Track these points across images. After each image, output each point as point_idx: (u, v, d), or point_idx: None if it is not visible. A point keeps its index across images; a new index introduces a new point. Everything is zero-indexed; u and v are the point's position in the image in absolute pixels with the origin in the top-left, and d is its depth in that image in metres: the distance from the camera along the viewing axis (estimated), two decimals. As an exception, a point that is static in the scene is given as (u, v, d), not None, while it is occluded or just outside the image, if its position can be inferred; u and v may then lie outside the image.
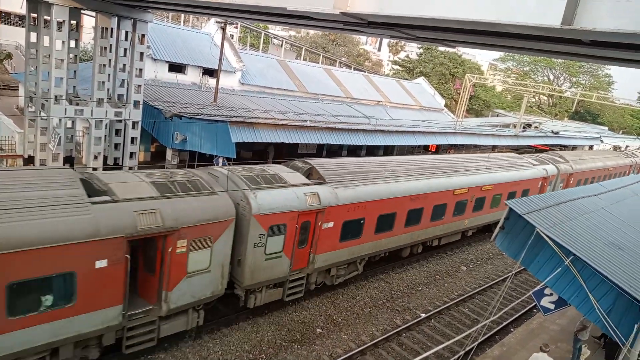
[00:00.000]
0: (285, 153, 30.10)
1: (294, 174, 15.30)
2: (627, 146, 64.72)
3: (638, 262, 11.51)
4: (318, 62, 59.91)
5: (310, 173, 16.16)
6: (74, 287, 9.74)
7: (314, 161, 16.81)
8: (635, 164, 46.15)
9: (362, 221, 16.65)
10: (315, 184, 15.28)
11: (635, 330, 9.04)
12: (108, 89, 21.26)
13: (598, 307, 9.68)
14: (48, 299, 9.48)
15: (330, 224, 15.40)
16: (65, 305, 9.74)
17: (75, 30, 20.40)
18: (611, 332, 9.44)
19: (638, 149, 63.35)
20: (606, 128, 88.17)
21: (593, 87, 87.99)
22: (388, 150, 39.46)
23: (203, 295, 12.48)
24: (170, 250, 11.27)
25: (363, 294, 17.83)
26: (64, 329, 9.89)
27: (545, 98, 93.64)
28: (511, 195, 25.51)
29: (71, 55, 20.54)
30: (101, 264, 9.99)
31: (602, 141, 64.08)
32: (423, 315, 16.90)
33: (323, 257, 15.70)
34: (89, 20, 30.58)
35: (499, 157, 28.66)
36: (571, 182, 32.99)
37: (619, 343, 9.31)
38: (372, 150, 38.59)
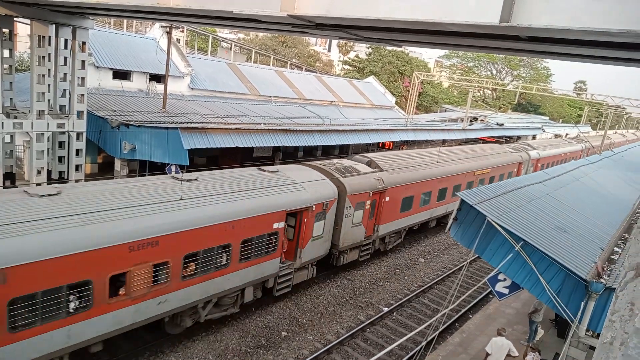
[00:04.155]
0: (240, 158, 29.77)
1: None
2: None
3: (583, 243, 12.22)
4: (269, 65, 59.60)
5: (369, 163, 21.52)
6: None
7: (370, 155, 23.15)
8: None
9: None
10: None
11: (582, 307, 9.59)
12: (49, 100, 20.21)
13: (548, 289, 10.20)
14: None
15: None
16: None
17: (9, 39, 19.29)
18: (561, 310, 9.98)
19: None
20: (547, 118, 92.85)
21: (533, 79, 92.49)
22: (343, 150, 39.81)
23: None
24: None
25: (326, 293, 17.93)
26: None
27: (489, 92, 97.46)
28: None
29: (5, 66, 19.41)
30: None
31: (544, 130, 67.33)
32: (385, 309, 17.20)
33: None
34: (24, 28, 29.04)
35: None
36: (591, 152, 47.70)
37: (569, 320, 9.85)
38: (327, 150, 38.80)
